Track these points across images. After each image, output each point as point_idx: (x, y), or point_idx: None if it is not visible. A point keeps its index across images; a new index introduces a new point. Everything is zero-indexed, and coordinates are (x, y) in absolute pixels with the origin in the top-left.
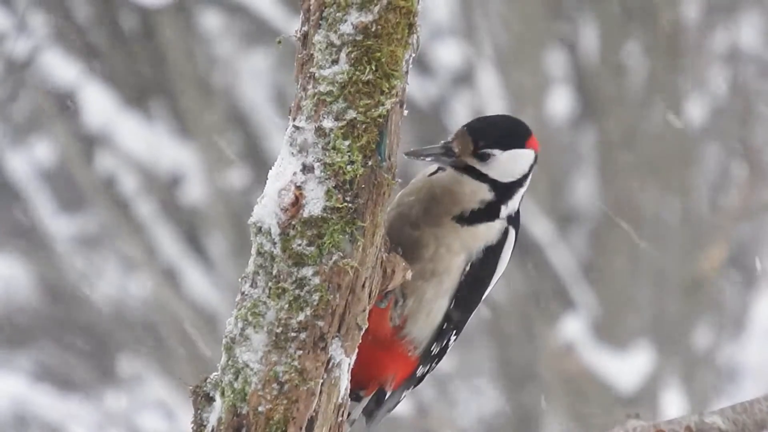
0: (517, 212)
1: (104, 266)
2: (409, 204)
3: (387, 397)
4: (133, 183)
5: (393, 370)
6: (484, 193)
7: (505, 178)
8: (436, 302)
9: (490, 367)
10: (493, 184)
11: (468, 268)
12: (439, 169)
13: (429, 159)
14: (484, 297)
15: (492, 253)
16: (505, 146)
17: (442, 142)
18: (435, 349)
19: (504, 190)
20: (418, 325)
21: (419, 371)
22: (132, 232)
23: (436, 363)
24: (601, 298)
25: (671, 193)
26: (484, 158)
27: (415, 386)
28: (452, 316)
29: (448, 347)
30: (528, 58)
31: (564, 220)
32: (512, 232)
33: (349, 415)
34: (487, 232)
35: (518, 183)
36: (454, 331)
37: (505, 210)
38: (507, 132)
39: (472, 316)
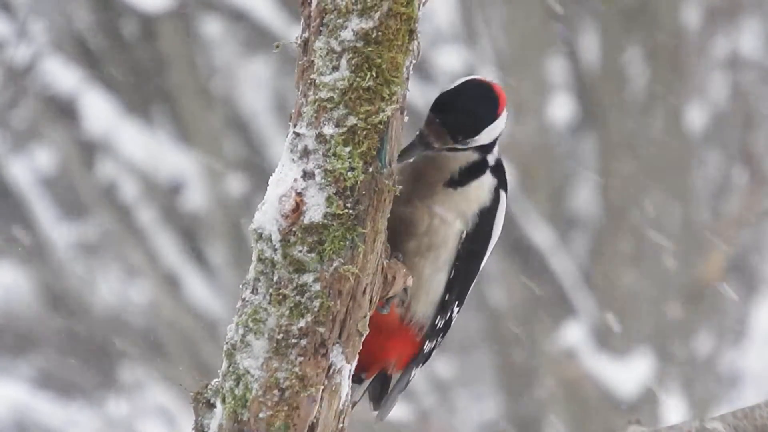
0: (502, 168)
1: (105, 273)
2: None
3: (398, 379)
4: (134, 190)
5: (397, 354)
6: (470, 155)
7: (487, 140)
8: (435, 277)
9: (491, 373)
10: (478, 148)
11: (464, 236)
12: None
13: (413, 155)
14: (482, 265)
15: (486, 216)
16: (483, 127)
17: (417, 132)
18: (439, 323)
19: (486, 147)
20: (420, 305)
21: (426, 347)
22: (133, 239)
23: (442, 337)
24: (602, 304)
25: (672, 199)
26: (466, 143)
27: (423, 363)
28: (453, 287)
29: (452, 319)
30: (529, 65)
31: (565, 227)
32: (503, 195)
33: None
34: (479, 191)
35: (497, 139)
36: (457, 303)
37: (491, 157)
38: (480, 113)
39: (473, 285)
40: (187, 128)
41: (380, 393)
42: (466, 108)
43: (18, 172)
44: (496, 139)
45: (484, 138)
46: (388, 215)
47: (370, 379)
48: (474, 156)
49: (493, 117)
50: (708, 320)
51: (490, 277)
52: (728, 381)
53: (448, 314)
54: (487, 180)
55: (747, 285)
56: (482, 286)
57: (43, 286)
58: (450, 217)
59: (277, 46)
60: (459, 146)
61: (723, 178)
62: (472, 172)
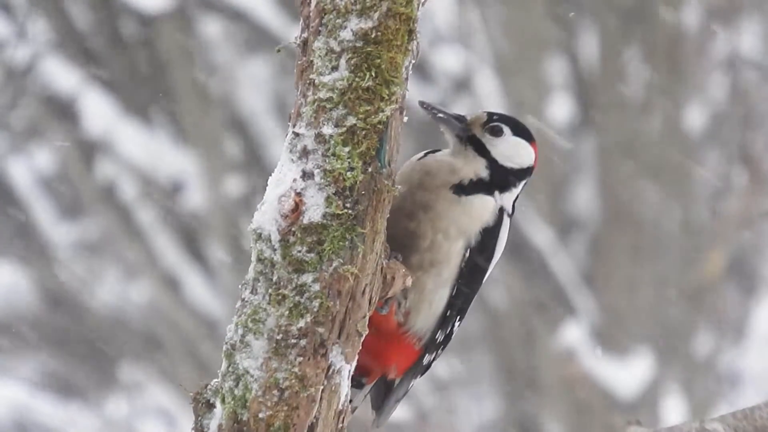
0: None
1: (104, 273)
2: (402, 195)
3: (395, 386)
4: (133, 190)
5: (396, 360)
6: (481, 168)
7: (505, 161)
8: (437, 293)
9: (491, 374)
10: (491, 163)
11: (467, 255)
12: (427, 154)
13: (441, 116)
14: (484, 280)
15: (489, 235)
16: (515, 131)
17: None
18: (440, 337)
19: (499, 176)
20: (421, 318)
21: (426, 360)
22: (132, 239)
23: (442, 350)
24: (602, 304)
25: (671, 199)
26: (494, 132)
27: (422, 374)
28: (455, 303)
29: (452, 333)
30: (528, 65)
31: (564, 227)
32: (507, 218)
33: (351, 401)
34: (483, 209)
35: (513, 177)
36: (458, 317)
37: (499, 198)
38: (519, 123)
39: (474, 300)
40: (187, 128)
41: (383, 401)
42: (510, 115)
43: (17, 172)
44: (511, 180)
45: (507, 148)
46: (388, 215)
47: (371, 384)
48: (484, 172)
49: (527, 137)
50: (708, 320)
51: (490, 278)
52: (728, 381)
53: (449, 329)
54: (492, 201)
55: (747, 285)
56: (482, 287)
57: (43, 286)
58: (453, 232)
59: (279, 50)
60: (484, 137)
61: (722, 179)
62: (478, 187)
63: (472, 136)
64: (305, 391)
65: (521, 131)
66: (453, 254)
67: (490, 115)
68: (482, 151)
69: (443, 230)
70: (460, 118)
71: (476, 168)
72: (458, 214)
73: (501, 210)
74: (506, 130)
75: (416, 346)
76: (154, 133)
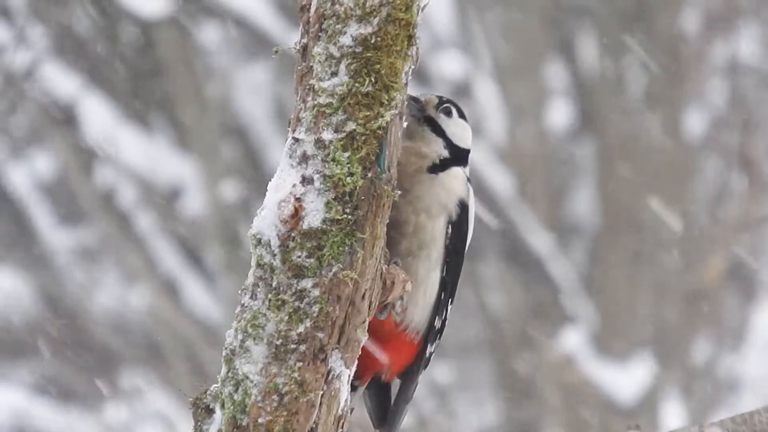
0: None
1: (104, 279)
2: None
3: (400, 388)
4: (133, 195)
5: (394, 359)
6: (440, 148)
7: (457, 141)
8: (430, 277)
9: (490, 379)
10: (447, 143)
11: (450, 231)
12: None
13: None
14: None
15: (465, 207)
16: (459, 114)
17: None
18: (437, 324)
19: (455, 154)
20: (418, 309)
21: (428, 351)
22: (131, 245)
23: (440, 337)
24: (601, 309)
25: (671, 204)
26: (446, 113)
27: (425, 368)
28: (446, 285)
29: (447, 318)
30: (527, 70)
31: (563, 232)
32: (471, 189)
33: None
34: (457, 180)
35: (463, 158)
36: (450, 300)
37: (464, 171)
38: (459, 106)
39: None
40: (186, 134)
41: (381, 409)
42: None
43: (17, 178)
44: (461, 156)
45: (457, 128)
46: (387, 221)
47: (364, 386)
48: (444, 152)
49: (466, 121)
50: (707, 325)
51: (489, 283)
52: (727, 386)
53: (444, 314)
54: (461, 172)
55: (746, 290)
56: (481, 292)
57: (42, 291)
58: (435, 210)
59: (276, 51)
60: (437, 117)
61: (721, 184)
62: (447, 163)
63: (428, 117)
64: (305, 396)
65: (462, 114)
66: (438, 232)
67: (440, 97)
68: (438, 131)
69: (425, 210)
70: (415, 99)
71: (437, 148)
72: (437, 190)
73: (469, 181)
74: (454, 111)
75: (416, 340)
76: (153, 139)
